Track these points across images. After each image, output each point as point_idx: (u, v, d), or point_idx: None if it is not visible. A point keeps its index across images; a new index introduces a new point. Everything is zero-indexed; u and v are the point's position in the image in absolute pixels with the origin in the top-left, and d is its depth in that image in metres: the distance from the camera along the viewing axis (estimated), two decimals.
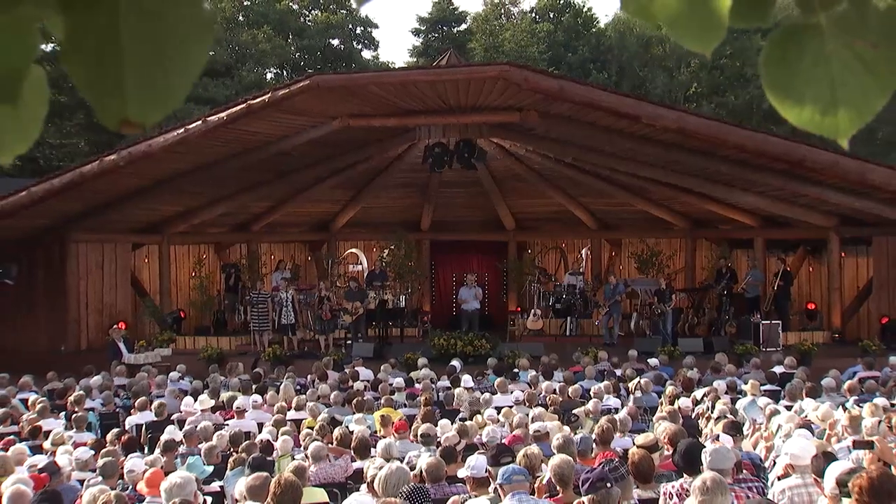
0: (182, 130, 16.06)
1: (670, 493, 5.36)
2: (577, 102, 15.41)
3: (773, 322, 18.36)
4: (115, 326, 19.06)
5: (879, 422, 7.38)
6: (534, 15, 48.43)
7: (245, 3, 44.55)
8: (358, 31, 48.31)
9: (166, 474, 6.64)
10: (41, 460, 7.44)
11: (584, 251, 23.18)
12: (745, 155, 16.24)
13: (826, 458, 5.43)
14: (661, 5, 0.95)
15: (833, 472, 4.72)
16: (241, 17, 43.82)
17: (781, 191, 17.84)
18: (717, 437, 6.95)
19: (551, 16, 47.15)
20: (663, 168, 18.43)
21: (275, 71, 44.41)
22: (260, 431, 10.10)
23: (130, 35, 0.84)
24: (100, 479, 6.94)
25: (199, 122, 15.95)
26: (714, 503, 4.40)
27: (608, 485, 4.47)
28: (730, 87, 39.39)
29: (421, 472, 6.20)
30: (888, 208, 16.88)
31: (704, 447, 5.72)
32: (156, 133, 16.68)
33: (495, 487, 5.49)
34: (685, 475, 5.49)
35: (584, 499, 4.54)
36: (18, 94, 0.93)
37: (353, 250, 23.99)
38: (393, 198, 22.97)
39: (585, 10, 47.73)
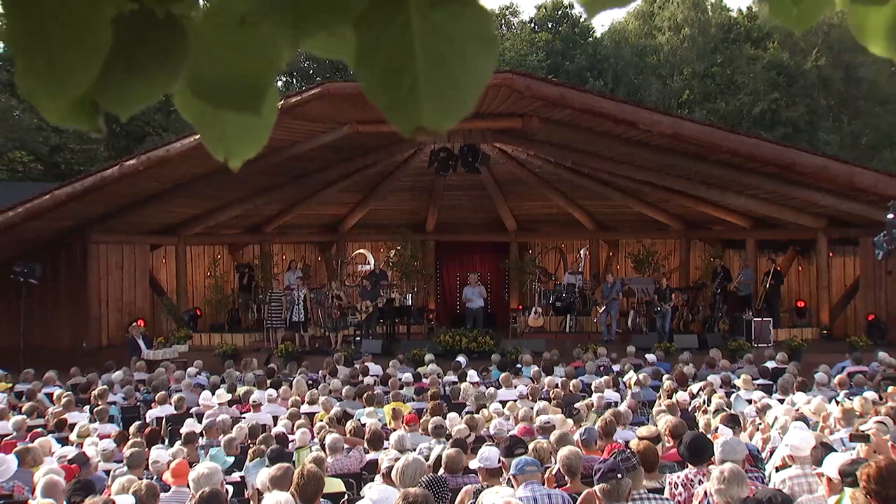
0: (198, 136, 16.06)
1: (676, 483, 5.36)
2: (577, 109, 15.41)
3: (765, 319, 18.36)
4: (134, 324, 19.09)
5: (877, 413, 7.37)
6: (533, 25, 48.46)
7: None
8: None
9: (190, 465, 6.66)
10: (71, 451, 7.46)
11: (582, 251, 23.17)
12: (737, 159, 16.25)
13: (824, 448, 5.44)
14: (853, 15, 0.97)
15: (834, 462, 4.73)
16: None
17: (772, 193, 17.84)
18: (717, 430, 6.95)
19: (550, 26, 47.17)
20: (658, 172, 18.44)
21: (284, 79, 44.42)
22: (275, 424, 10.12)
23: (423, 50, 0.85)
24: (126, 469, 6.96)
25: None
26: (731, 492, 4.40)
27: (619, 475, 4.47)
28: (721, 94, 39.39)
29: (436, 462, 6.20)
30: (874, 210, 16.84)
31: (709, 439, 5.73)
32: (173, 139, 16.70)
33: (508, 478, 5.50)
34: (690, 466, 5.49)
35: (597, 488, 4.54)
36: (263, 104, 0.94)
37: (361, 251, 24.00)
38: (399, 200, 22.98)
39: (582, 20, 47.75)
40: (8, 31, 0.85)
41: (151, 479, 6.56)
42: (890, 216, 14.09)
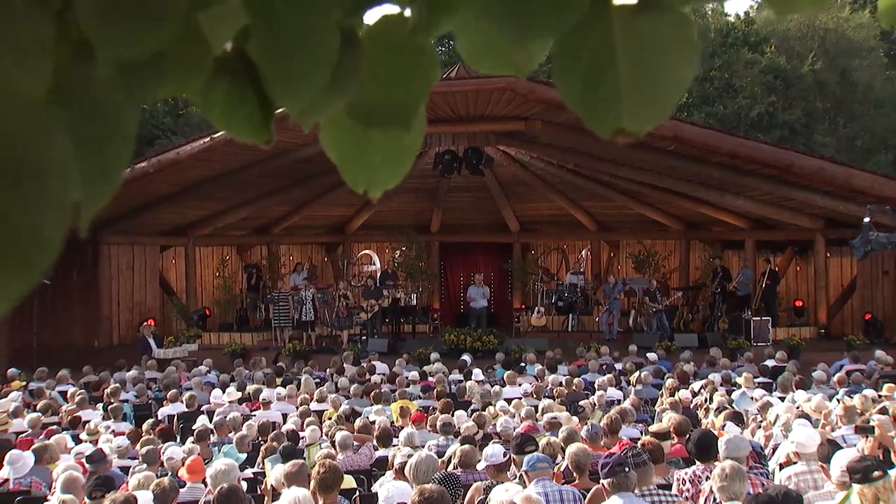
0: (208, 139, 16.09)
1: (683, 479, 5.36)
2: None
3: (764, 318, 18.34)
4: (144, 323, 19.08)
5: (884, 410, 7.36)
6: None
7: None
8: None
9: (203, 461, 6.66)
10: (88, 448, 7.46)
11: (584, 252, 23.16)
12: (736, 161, 16.23)
13: (831, 445, 5.43)
14: None
15: (841, 459, 4.72)
16: None
17: (770, 195, 17.81)
18: (723, 427, 6.93)
19: None
20: (659, 173, 18.42)
21: None
22: (284, 422, 10.11)
23: (625, 55, 0.85)
24: (144, 465, 6.96)
25: (224, 132, 15.94)
26: (733, 489, 4.40)
27: (626, 469, 4.46)
28: (719, 97, 39.32)
29: (449, 459, 6.20)
30: None
31: (716, 436, 5.72)
32: (183, 142, 16.71)
33: (519, 474, 5.49)
34: (698, 462, 5.49)
35: (604, 482, 4.53)
36: (413, 121, 0.94)
37: (367, 251, 24.02)
38: (404, 202, 22.92)
39: None
40: (253, 42, 0.86)
41: (166, 475, 6.58)
42: (866, 220, 14.22)
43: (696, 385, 11.81)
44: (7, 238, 0.68)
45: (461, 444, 6.72)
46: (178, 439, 9.66)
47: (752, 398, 9.98)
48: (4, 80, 0.72)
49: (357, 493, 6.66)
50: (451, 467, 6.49)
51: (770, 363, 14.06)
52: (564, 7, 0.81)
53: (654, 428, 6.79)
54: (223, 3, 0.84)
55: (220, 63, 0.90)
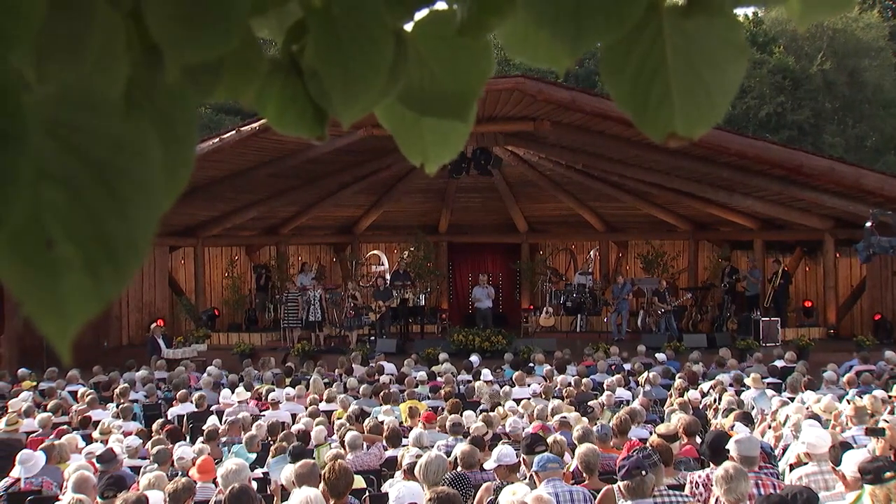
0: (217, 140, 16.10)
1: (696, 482, 5.33)
2: (587, 112, 15.37)
3: (773, 319, 18.29)
4: (154, 324, 19.11)
5: (893, 410, 7.34)
6: None
7: None
8: None
9: (214, 462, 6.67)
10: (99, 448, 7.47)
11: (592, 252, 23.11)
12: (745, 161, 16.18)
13: (842, 447, 5.40)
14: None
15: (853, 459, 4.69)
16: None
17: (779, 195, 17.76)
18: (733, 427, 6.91)
19: None
20: (668, 174, 18.39)
21: None
22: (294, 422, 10.12)
23: (675, 58, 0.84)
24: (155, 465, 6.97)
25: (233, 132, 15.98)
26: (737, 489, 4.38)
27: (643, 472, 4.45)
28: None
29: (456, 459, 6.19)
30: None
31: (729, 437, 5.70)
32: None
33: (529, 475, 5.48)
34: (712, 464, 5.46)
35: (620, 484, 4.52)
36: (469, 113, 0.95)
37: (375, 252, 24.01)
38: (413, 202, 22.97)
39: None
40: (310, 48, 0.86)
41: (177, 474, 6.58)
42: (867, 224, 14.22)
43: (705, 385, 11.79)
44: (100, 243, 0.68)
45: (467, 445, 6.70)
46: (188, 439, 9.68)
47: (769, 397, 9.97)
48: (87, 84, 0.72)
49: (367, 493, 6.66)
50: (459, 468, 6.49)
51: (779, 364, 14.00)
52: (620, 13, 0.80)
53: (661, 429, 6.77)
54: (280, 7, 0.84)
55: (272, 63, 0.91)
